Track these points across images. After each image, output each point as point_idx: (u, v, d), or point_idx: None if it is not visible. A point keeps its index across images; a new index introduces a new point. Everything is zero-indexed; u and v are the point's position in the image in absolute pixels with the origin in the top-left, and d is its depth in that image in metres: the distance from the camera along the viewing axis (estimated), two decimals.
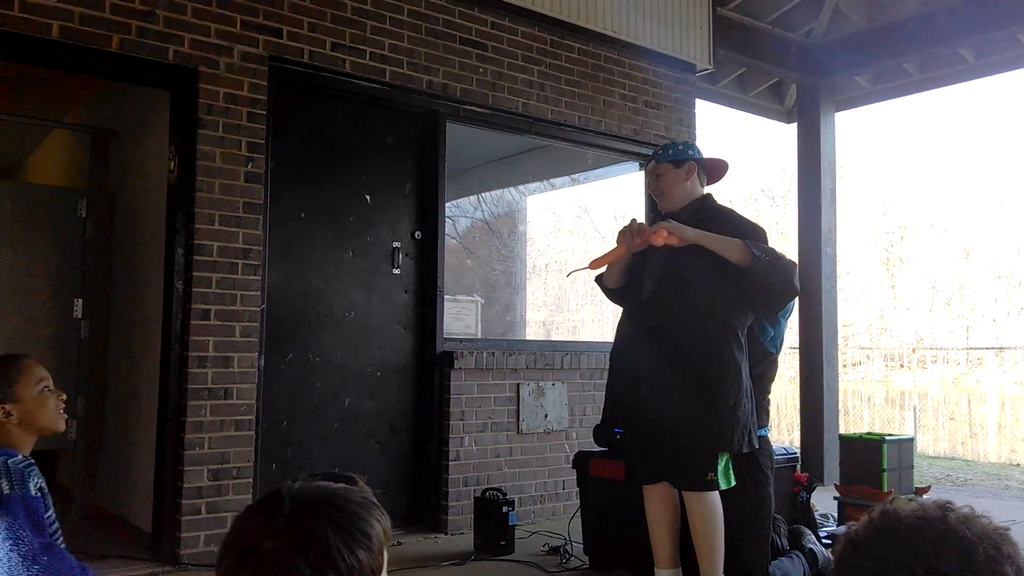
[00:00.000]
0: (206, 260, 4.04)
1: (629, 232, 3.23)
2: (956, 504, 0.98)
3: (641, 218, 6.08)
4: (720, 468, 3.10)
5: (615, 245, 3.31)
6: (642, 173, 6.10)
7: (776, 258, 3.11)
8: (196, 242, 4.03)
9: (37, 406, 2.26)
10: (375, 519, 1.04)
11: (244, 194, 4.16)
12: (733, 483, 3.16)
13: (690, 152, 3.38)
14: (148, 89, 4.41)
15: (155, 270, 4.27)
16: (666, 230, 3.11)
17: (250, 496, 4.07)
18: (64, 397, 2.36)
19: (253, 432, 4.13)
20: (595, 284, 3.59)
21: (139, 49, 3.91)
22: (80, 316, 4.95)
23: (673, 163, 3.34)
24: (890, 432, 5.56)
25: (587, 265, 3.36)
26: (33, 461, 2.22)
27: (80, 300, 4.95)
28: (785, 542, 3.63)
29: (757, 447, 3.18)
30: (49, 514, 2.21)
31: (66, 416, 2.37)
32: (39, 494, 2.15)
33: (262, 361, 4.22)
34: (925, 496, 4.35)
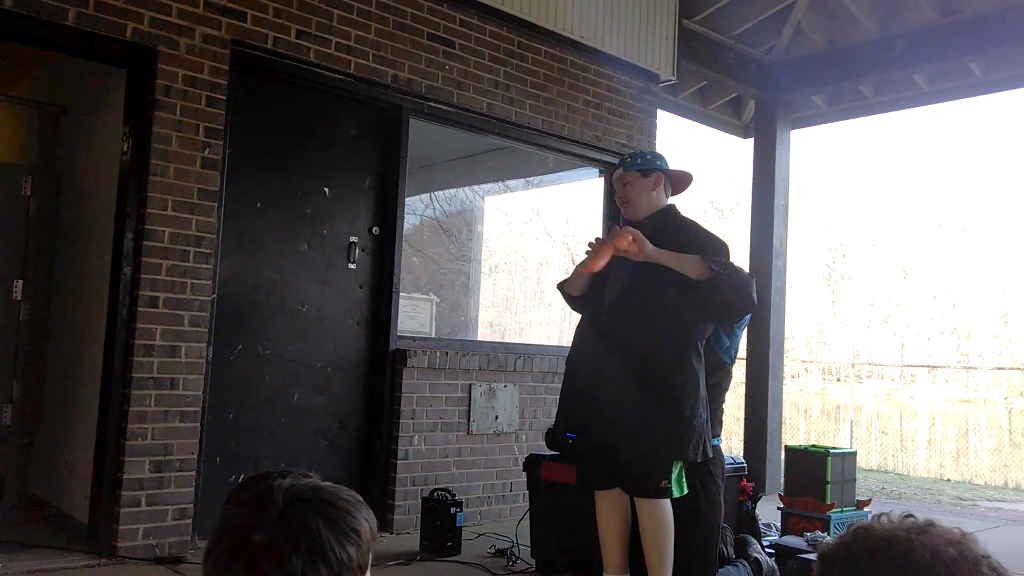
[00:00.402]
0: (157, 246, 3.93)
1: (602, 243, 3.20)
2: (936, 526, 0.98)
3: (597, 225, 6.12)
4: (674, 476, 3.13)
5: (592, 253, 3.27)
6: (601, 180, 6.13)
7: (735, 272, 3.15)
8: (147, 227, 3.91)
9: None
10: (363, 517, 1.08)
11: (200, 180, 4.06)
12: (686, 491, 3.19)
13: (658, 163, 3.40)
14: (103, 66, 4.26)
15: (102, 253, 4.14)
16: (631, 235, 3.11)
17: (192, 490, 3.97)
18: None
19: (198, 424, 4.02)
20: (555, 289, 3.59)
21: (96, 24, 3.78)
22: (19, 298, 4.77)
23: (641, 172, 3.36)
24: (829, 444, 5.68)
25: (575, 269, 3.33)
26: None
27: (20, 281, 4.77)
28: (731, 551, 3.68)
29: (711, 456, 3.21)
30: None
31: None
32: None
33: (210, 352, 4.12)
34: (867, 509, 4.45)
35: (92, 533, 3.90)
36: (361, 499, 1.12)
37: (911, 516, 1.01)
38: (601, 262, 3.17)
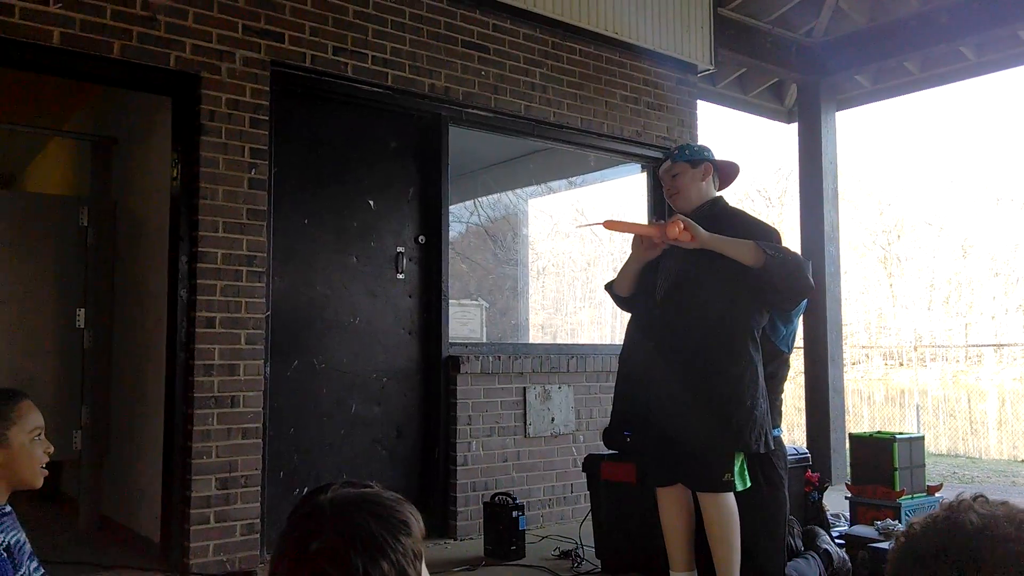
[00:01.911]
0: (210, 267, 4.01)
1: (663, 229, 3.15)
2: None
3: (644, 221, 6.06)
4: (736, 469, 3.08)
5: (648, 229, 3.24)
6: (643, 176, 6.09)
7: (789, 255, 3.10)
8: (200, 249, 3.99)
9: (26, 455, 2.03)
10: (408, 512, 1.12)
11: (248, 200, 4.13)
12: (749, 484, 3.14)
13: (706, 154, 3.38)
14: (149, 95, 4.38)
15: (158, 278, 4.24)
16: (682, 223, 3.08)
17: (258, 505, 4.04)
18: (52, 450, 2.11)
19: (260, 440, 4.09)
20: (604, 290, 3.56)
21: (140, 55, 3.88)
22: (83, 326, 4.91)
23: (690, 163, 3.33)
24: (895, 430, 5.55)
25: (601, 222, 3.27)
26: (10, 510, 2.04)
27: (83, 310, 4.91)
28: (799, 543, 3.61)
29: (773, 448, 3.15)
30: (21, 573, 1.99)
31: (46, 472, 2.11)
32: (4, 552, 1.94)
33: (268, 368, 4.18)
34: (938, 495, 4.33)
35: (164, 551, 3.98)
36: (403, 498, 1.17)
37: (981, 496, 0.95)
38: (653, 252, 3.15)
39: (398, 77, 4.66)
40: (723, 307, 3.10)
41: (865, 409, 19.25)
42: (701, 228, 3.09)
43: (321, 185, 4.55)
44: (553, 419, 5.14)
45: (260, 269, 4.15)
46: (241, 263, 4.09)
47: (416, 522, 1.12)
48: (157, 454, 4.10)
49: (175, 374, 3.98)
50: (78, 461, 4.91)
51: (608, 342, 6.27)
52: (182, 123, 4.11)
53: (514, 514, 4.23)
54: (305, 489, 4.31)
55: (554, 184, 7.69)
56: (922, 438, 4.61)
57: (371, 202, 4.71)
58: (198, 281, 3.97)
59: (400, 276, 4.78)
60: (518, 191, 7.69)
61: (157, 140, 4.51)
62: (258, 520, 4.03)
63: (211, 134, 4.05)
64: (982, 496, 0.95)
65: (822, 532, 3.78)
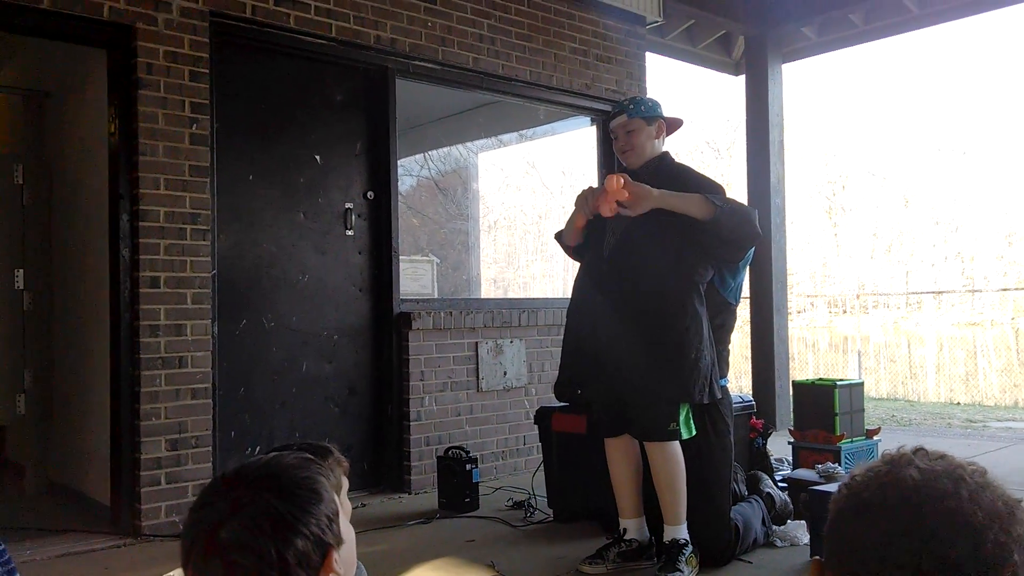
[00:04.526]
0: (153, 226, 3.93)
1: (584, 198, 3.24)
2: (965, 467, 0.91)
3: (593, 175, 6.08)
4: (681, 419, 3.15)
5: (582, 204, 3.30)
6: (593, 129, 6.08)
7: (737, 205, 3.17)
8: (142, 207, 3.90)
9: None
10: (316, 473, 1.07)
11: (190, 156, 4.04)
12: (694, 432, 3.22)
13: (659, 110, 3.39)
14: (82, 48, 4.22)
15: (99, 237, 4.14)
16: (621, 177, 3.10)
17: (210, 465, 4.03)
18: None
19: (210, 400, 4.06)
20: (553, 240, 3.59)
21: (72, 5, 3.73)
22: (22, 287, 4.78)
23: (646, 120, 3.34)
24: (837, 376, 5.71)
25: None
26: None
27: (21, 271, 4.78)
28: (744, 488, 3.72)
29: (719, 397, 3.23)
30: None
31: None
32: None
33: (216, 328, 4.13)
34: (876, 438, 4.49)
35: (115, 514, 3.95)
36: (308, 456, 1.12)
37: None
38: (576, 226, 3.23)
39: (343, 28, 4.56)
40: (668, 262, 3.15)
41: (810, 356, 19.77)
42: (651, 187, 3.11)
43: (266, 140, 4.46)
44: (505, 373, 5.19)
45: (204, 227, 4.07)
46: (185, 221, 4.01)
47: (327, 479, 1.07)
48: (105, 417, 4.04)
49: (120, 335, 3.91)
50: (23, 425, 4.82)
51: (560, 296, 6.30)
52: (118, 77, 3.98)
53: (467, 467, 4.28)
54: (258, 449, 4.30)
55: (505, 137, 7.64)
56: (862, 384, 4.75)
57: (318, 157, 4.64)
58: (140, 240, 3.89)
59: (349, 232, 4.73)
60: (468, 144, 7.62)
61: (93, 94, 4.37)
62: (210, 480, 4.01)
63: (149, 88, 3.93)
64: (922, 449, 0.95)
65: (765, 477, 3.90)
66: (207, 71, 4.09)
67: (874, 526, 0.90)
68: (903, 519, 0.88)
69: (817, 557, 0.98)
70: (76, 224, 4.67)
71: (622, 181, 3.09)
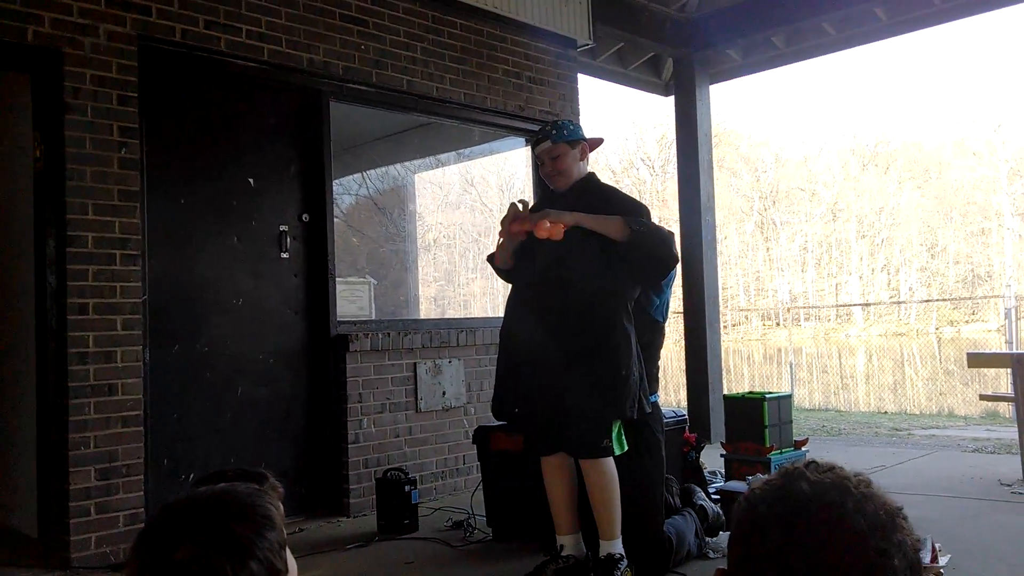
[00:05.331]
0: (81, 252, 3.86)
1: (506, 220, 3.30)
2: (851, 478, 0.99)
3: (528, 194, 6.17)
4: (614, 435, 3.22)
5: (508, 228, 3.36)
6: (527, 149, 6.17)
7: (654, 230, 3.26)
8: (69, 233, 3.83)
9: None
10: (269, 503, 1.12)
11: (119, 181, 3.98)
12: (626, 448, 3.29)
13: (580, 132, 3.47)
14: (6, 72, 4.14)
15: (25, 264, 4.05)
16: (548, 220, 3.17)
17: (142, 494, 3.95)
18: None
19: (141, 428, 3.99)
20: (486, 261, 3.64)
21: None
22: None
23: (569, 143, 3.41)
24: (770, 390, 5.87)
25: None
26: None
27: None
28: (677, 500, 3.81)
29: (648, 412, 3.32)
30: None
31: None
32: None
33: (147, 354, 4.07)
34: (804, 448, 4.64)
35: (44, 546, 3.85)
36: (258, 487, 1.17)
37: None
38: (504, 249, 3.29)
39: (275, 52, 4.56)
40: (596, 282, 3.23)
41: (745, 368, 20.19)
42: (565, 213, 3.19)
43: (198, 164, 4.43)
44: (444, 393, 5.21)
45: (135, 252, 4.02)
46: (114, 246, 3.95)
47: (277, 509, 1.12)
48: (31, 446, 3.94)
49: (48, 363, 3.83)
50: None
51: (499, 314, 6.36)
52: (44, 101, 3.91)
53: (406, 488, 4.29)
54: (192, 476, 4.23)
55: (443, 156, 7.68)
56: (790, 396, 4.91)
57: (251, 180, 4.62)
58: (68, 267, 3.82)
59: (285, 255, 4.71)
60: (406, 164, 7.65)
61: (16, 119, 4.28)
62: (142, 510, 3.94)
63: (76, 112, 3.87)
64: (814, 462, 1.03)
65: (698, 489, 3.99)
66: (135, 95, 4.05)
67: (770, 537, 0.96)
68: (796, 530, 0.95)
69: (721, 568, 1.04)
70: (3, 251, 4.55)
71: (547, 224, 3.15)
